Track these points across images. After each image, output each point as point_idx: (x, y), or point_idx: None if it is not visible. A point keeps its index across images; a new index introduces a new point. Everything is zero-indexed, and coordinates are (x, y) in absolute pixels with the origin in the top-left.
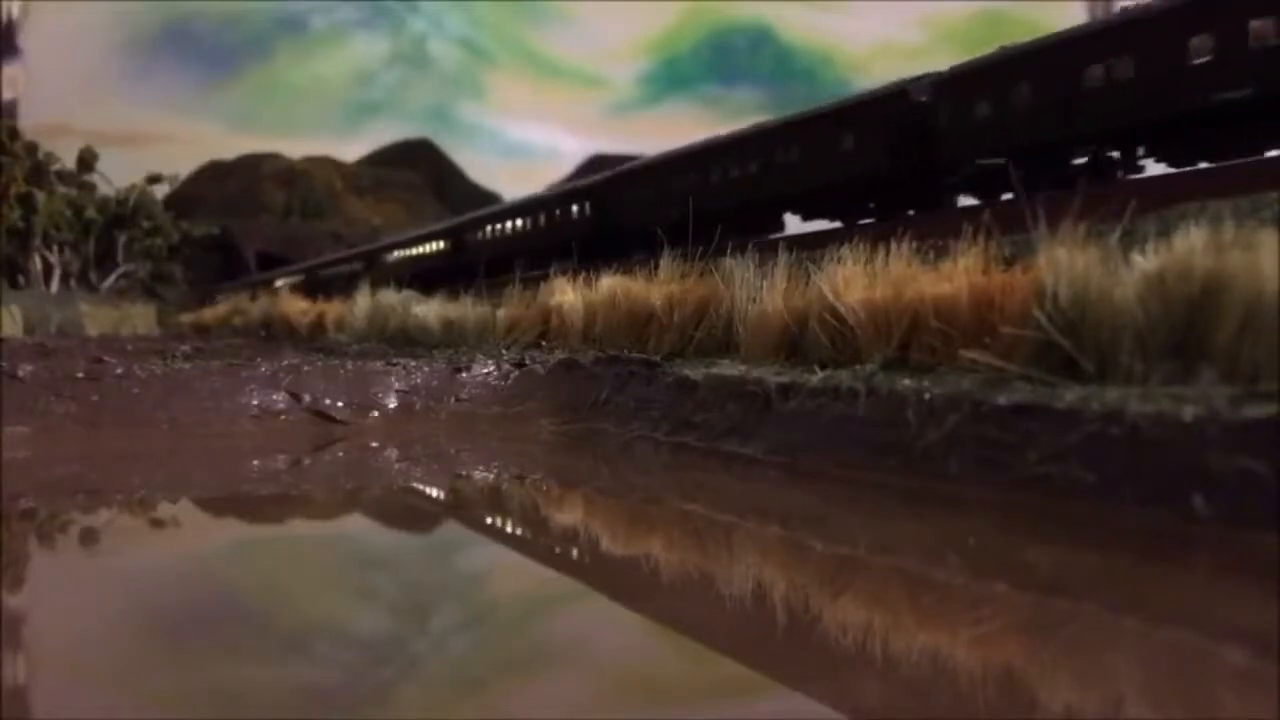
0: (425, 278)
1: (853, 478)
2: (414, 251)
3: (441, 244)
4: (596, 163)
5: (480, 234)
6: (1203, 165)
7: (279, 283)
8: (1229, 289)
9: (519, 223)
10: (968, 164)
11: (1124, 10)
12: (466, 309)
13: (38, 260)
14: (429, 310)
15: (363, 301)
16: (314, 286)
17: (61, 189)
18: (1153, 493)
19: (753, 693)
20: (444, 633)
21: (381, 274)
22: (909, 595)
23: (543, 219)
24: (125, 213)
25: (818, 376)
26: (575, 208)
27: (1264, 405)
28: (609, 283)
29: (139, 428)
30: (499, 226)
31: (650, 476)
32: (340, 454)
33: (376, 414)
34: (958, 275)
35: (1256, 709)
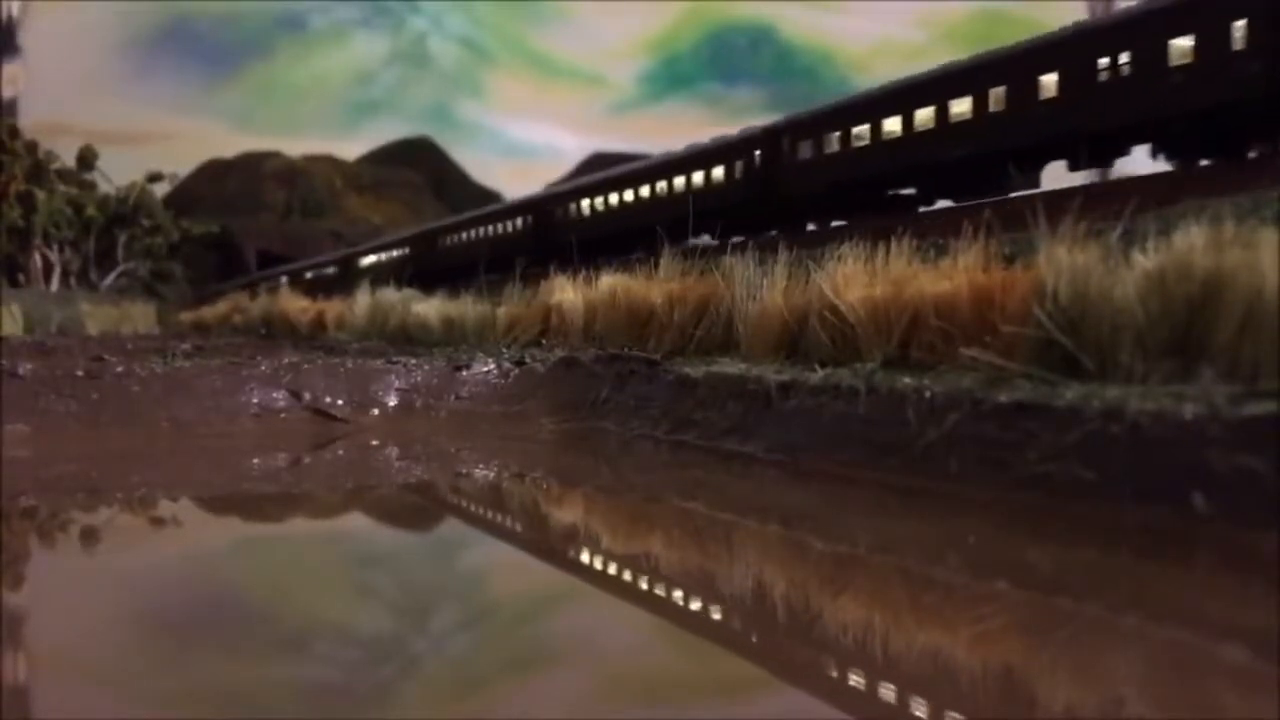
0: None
1: (853, 476)
2: (633, 196)
3: (716, 172)
4: (597, 161)
5: (805, 146)
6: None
7: (366, 260)
8: (1229, 287)
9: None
10: None
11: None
12: (466, 307)
13: (38, 259)
14: (429, 308)
15: (363, 300)
16: (430, 269)
17: (62, 187)
18: (1153, 491)
19: (754, 691)
20: (445, 631)
21: (569, 235)
22: (910, 594)
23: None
24: (125, 211)
25: (818, 375)
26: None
27: (1264, 403)
28: (609, 281)
29: (139, 426)
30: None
31: (650, 475)
32: (340, 452)
33: (377, 412)
34: (958, 273)
35: (1256, 708)
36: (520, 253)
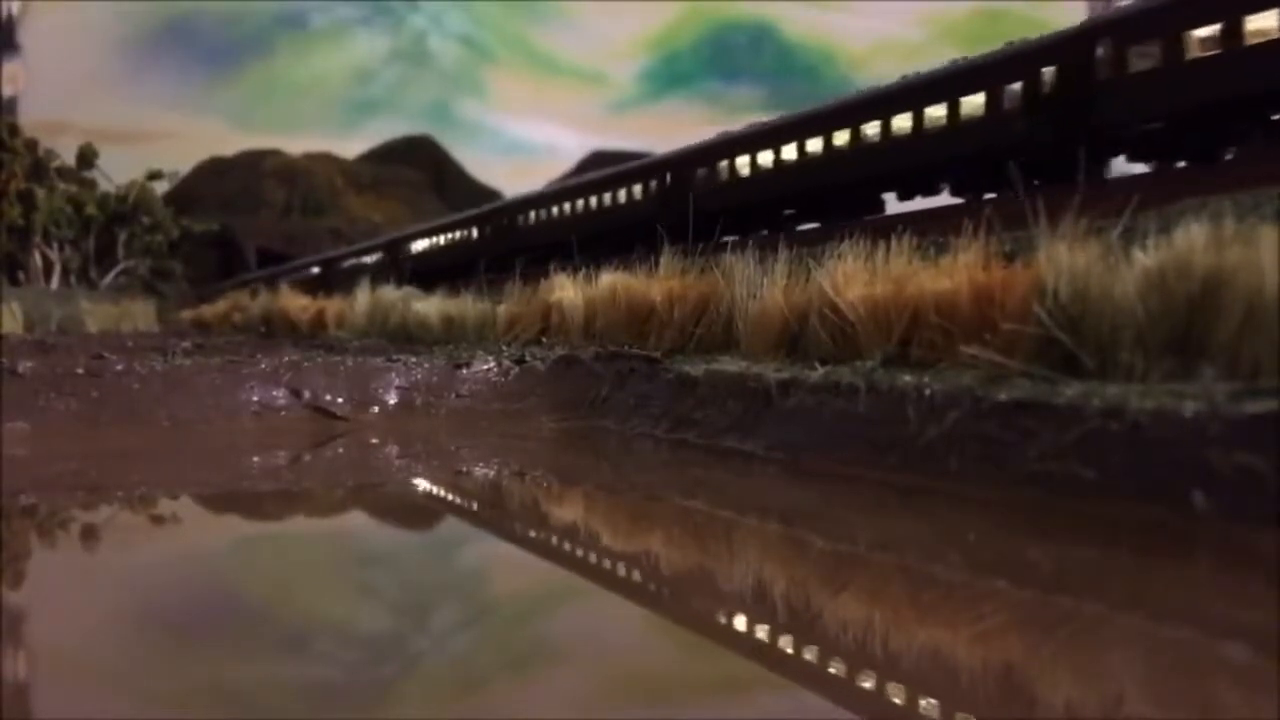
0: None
1: (853, 474)
2: (821, 146)
3: (969, 103)
4: (597, 160)
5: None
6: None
7: (418, 245)
8: (1229, 285)
9: None
10: None
11: None
12: (467, 305)
13: (38, 257)
14: (429, 307)
15: (363, 298)
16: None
17: (62, 186)
18: (1153, 489)
19: (754, 690)
20: (445, 630)
21: (718, 204)
22: (910, 592)
23: None
24: (125, 209)
25: (818, 373)
26: None
27: (1264, 401)
28: (609, 279)
29: (139, 424)
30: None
31: (650, 473)
32: (340, 450)
33: (377, 410)
34: (958, 271)
35: (1257, 707)
36: (643, 229)
